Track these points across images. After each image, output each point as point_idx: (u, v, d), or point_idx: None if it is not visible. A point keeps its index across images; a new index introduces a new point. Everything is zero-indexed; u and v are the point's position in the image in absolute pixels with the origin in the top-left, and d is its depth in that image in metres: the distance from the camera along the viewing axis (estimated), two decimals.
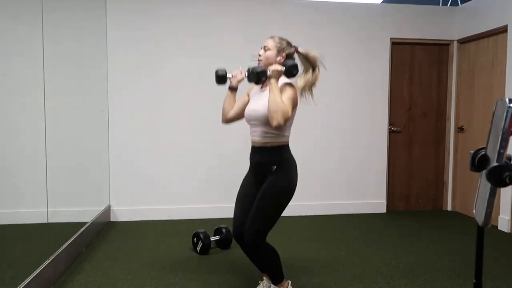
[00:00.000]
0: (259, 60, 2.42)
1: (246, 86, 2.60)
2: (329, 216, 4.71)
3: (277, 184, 2.32)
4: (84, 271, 3.02)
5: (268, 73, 2.28)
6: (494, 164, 1.26)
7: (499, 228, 4.19)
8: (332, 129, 4.78)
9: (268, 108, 2.22)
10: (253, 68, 2.32)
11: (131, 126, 4.45)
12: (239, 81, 2.56)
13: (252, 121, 2.42)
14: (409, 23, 4.86)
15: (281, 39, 2.41)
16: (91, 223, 3.73)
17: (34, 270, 2.51)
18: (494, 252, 3.47)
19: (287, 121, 2.25)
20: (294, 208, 4.65)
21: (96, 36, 4.20)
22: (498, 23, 4.26)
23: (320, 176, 4.77)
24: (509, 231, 4.08)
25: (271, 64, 2.37)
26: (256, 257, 2.40)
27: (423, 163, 5.04)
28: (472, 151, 1.40)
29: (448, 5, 5.26)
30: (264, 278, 2.56)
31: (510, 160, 1.29)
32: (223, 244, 3.51)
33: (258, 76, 2.29)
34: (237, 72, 2.55)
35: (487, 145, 1.36)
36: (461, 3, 5.07)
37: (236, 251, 3.47)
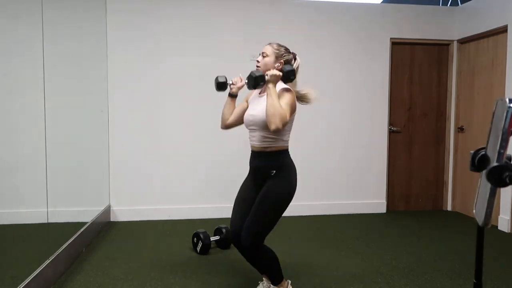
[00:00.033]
0: (257, 66, 2.44)
1: (245, 92, 2.60)
2: (329, 216, 4.71)
3: (277, 188, 2.33)
4: (84, 271, 3.02)
5: (266, 78, 2.29)
6: (494, 164, 1.25)
7: (499, 228, 4.19)
8: (332, 129, 4.78)
9: (266, 112, 2.23)
10: (251, 73, 2.33)
11: (131, 126, 4.45)
12: (239, 88, 2.58)
13: (250, 126, 2.43)
14: (409, 23, 4.87)
15: (279, 45, 2.43)
16: (91, 223, 3.73)
17: (34, 270, 2.51)
18: (494, 252, 3.47)
19: (285, 125, 2.25)
20: (294, 208, 4.64)
21: (96, 36, 4.20)
22: (498, 23, 4.26)
23: (320, 176, 4.77)
24: (509, 231, 4.08)
25: (269, 69, 2.38)
26: (255, 259, 2.40)
27: (423, 163, 5.04)
28: (472, 151, 1.40)
29: (448, 5, 5.26)
30: (264, 278, 2.56)
31: (510, 160, 1.28)
32: (223, 244, 3.51)
33: (256, 81, 2.30)
34: (237, 79, 2.57)
35: (487, 145, 1.36)
36: (461, 3, 5.07)
37: (236, 251, 3.46)
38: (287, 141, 2.42)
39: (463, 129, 4.88)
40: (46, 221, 2.91)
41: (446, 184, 5.08)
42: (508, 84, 4.10)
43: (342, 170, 4.82)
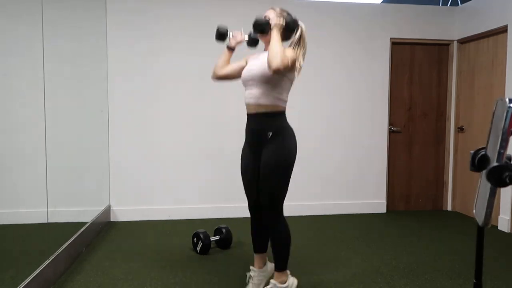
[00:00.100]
0: None
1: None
2: (329, 216, 4.71)
3: (276, 157, 2.32)
4: (84, 271, 3.02)
5: (271, 25, 2.31)
6: (494, 164, 1.26)
7: (499, 228, 4.19)
8: (332, 129, 4.79)
9: (268, 53, 2.21)
10: (256, 19, 2.35)
11: (131, 126, 4.45)
12: (238, 42, 2.62)
13: (248, 81, 2.41)
14: (409, 23, 4.87)
15: (282, 10, 2.44)
16: (91, 223, 3.73)
17: (34, 270, 2.51)
18: (494, 252, 3.47)
19: (286, 69, 2.22)
20: (294, 208, 4.66)
21: (96, 36, 4.20)
22: (498, 23, 4.26)
23: (320, 176, 4.77)
24: (509, 231, 4.08)
25: (270, 34, 2.39)
26: (274, 230, 2.42)
27: (423, 163, 5.04)
28: (472, 151, 1.40)
29: (448, 5, 5.26)
30: (250, 267, 2.64)
31: (510, 160, 1.29)
32: (223, 244, 3.51)
33: (261, 27, 2.32)
34: (237, 33, 2.60)
35: (487, 145, 1.36)
36: (461, 3, 5.07)
37: (236, 251, 3.47)
38: (285, 102, 2.40)
39: (463, 129, 4.88)
40: (46, 221, 2.90)
41: (446, 184, 5.08)
42: (508, 84, 4.11)
43: (342, 170, 4.82)
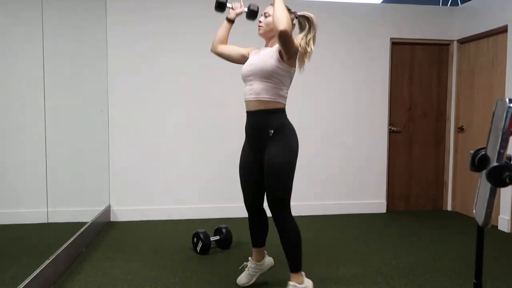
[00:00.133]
0: (259, 26, 2.46)
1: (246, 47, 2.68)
2: (329, 216, 4.71)
3: (280, 154, 2.32)
4: (84, 271, 3.02)
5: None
6: (494, 164, 1.26)
7: (499, 228, 4.19)
8: (332, 129, 4.78)
9: (273, 16, 2.18)
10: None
11: (131, 126, 4.45)
12: (237, 14, 2.65)
13: (248, 77, 2.40)
14: (409, 23, 4.87)
15: None
16: (91, 223, 3.73)
17: (34, 270, 2.51)
18: (494, 252, 3.47)
19: (290, 32, 2.18)
20: (294, 208, 4.64)
21: (96, 35, 4.20)
22: (498, 23, 4.26)
23: (320, 176, 4.77)
24: (509, 231, 4.08)
25: (271, 30, 2.41)
26: (283, 232, 2.40)
27: (423, 163, 5.04)
28: (472, 151, 1.40)
29: (448, 5, 5.26)
30: (250, 258, 2.66)
31: (510, 160, 1.29)
32: (223, 244, 3.51)
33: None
34: (237, 5, 2.62)
35: (487, 145, 1.36)
36: (461, 3, 5.07)
37: (236, 251, 3.47)
38: (285, 98, 2.39)
39: (463, 129, 4.88)
40: (46, 221, 2.90)
41: (446, 184, 5.08)
42: (508, 84, 4.11)
43: (342, 170, 4.82)
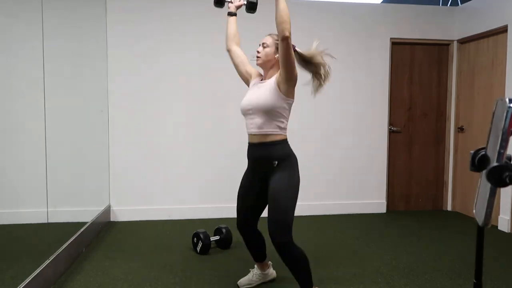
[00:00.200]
0: (257, 57, 2.44)
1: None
2: (329, 216, 4.71)
3: (286, 183, 2.31)
4: (84, 271, 3.02)
5: None
6: (494, 164, 1.25)
7: (499, 228, 4.19)
8: (332, 129, 4.78)
9: (277, 18, 2.15)
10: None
11: (131, 126, 4.45)
12: (238, 7, 2.66)
13: (248, 111, 2.38)
14: (409, 23, 4.87)
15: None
16: (91, 223, 3.73)
17: (34, 270, 2.51)
18: (494, 252, 3.47)
19: (290, 41, 2.17)
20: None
21: (96, 35, 4.20)
22: (498, 23, 4.26)
23: (320, 176, 4.77)
24: (509, 231, 4.08)
25: (270, 61, 2.40)
26: (288, 258, 2.36)
27: (423, 163, 5.04)
28: (472, 151, 1.40)
29: (448, 5, 5.26)
30: (255, 265, 2.67)
31: (510, 160, 1.28)
32: (223, 244, 3.51)
33: None
34: None
35: (487, 145, 1.36)
36: (461, 3, 5.07)
37: (236, 251, 3.47)
38: (285, 130, 2.39)
39: (463, 129, 4.88)
40: (46, 221, 2.90)
41: (446, 184, 5.08)
42: (508, 84, 4.11)
43: (342, 170, 4.82)
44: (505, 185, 1.23)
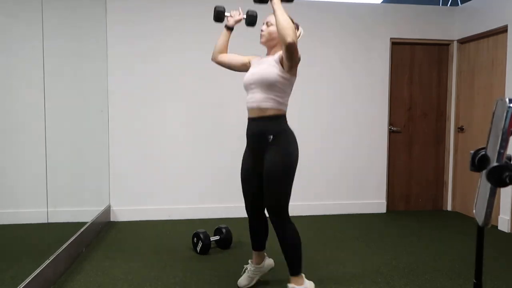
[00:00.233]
0: (262, 35, 2.46)
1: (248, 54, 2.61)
2: (329, 216, 4.71)
3: (279, 161, 2.32)
4: (84, 271, 3.02)
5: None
6: (494, 164, 1.26)
7: (499, 228, 4.19)
8: (332, 129, 4.79)
9: (278, 27, 2.17)
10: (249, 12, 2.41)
11: (131, 126, 4.45)
12: (236, 22, 2.66)
13: (250, 85, 2.41)
14: (409, 23, 4.87)
15: None
16: (91, 223, 3.73)
17: (34, 270, 2.51)
18: (494, 252, 3.47)
19: (296, 43, 2.17)
20: (294, 208, 4.66)
21: (96, 35, 4.20)
22: (498, 23, 4.26)
23: (320, 176, 4.77)
24: (509, 231, 4.08)
25: (273, 39, 2.43)
26: (283, 237, 2.40)
27: (423, 163, 5.04)
28: (472, 151, 1.40)
29: (448, 5, 5.26)
30: (249, 261, 2.67)
31: (510, 160, 1.29)
32: (223, 244, 3.51)
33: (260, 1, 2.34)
34: (235, 12, 2.64)
35: (487, 145, 1.36)
36: (461, 3, 5.07)
37: (236, 251, 3.47)
38: (285, 105, 2.41)
39: (463, 129, 4.88)
40: (46, 221, 2.90)
41: (446, 184, 5.08)
42: (508, 84, 4.11)
43: (342, 170, 4.82)
44: (505, 185, 1.23)
